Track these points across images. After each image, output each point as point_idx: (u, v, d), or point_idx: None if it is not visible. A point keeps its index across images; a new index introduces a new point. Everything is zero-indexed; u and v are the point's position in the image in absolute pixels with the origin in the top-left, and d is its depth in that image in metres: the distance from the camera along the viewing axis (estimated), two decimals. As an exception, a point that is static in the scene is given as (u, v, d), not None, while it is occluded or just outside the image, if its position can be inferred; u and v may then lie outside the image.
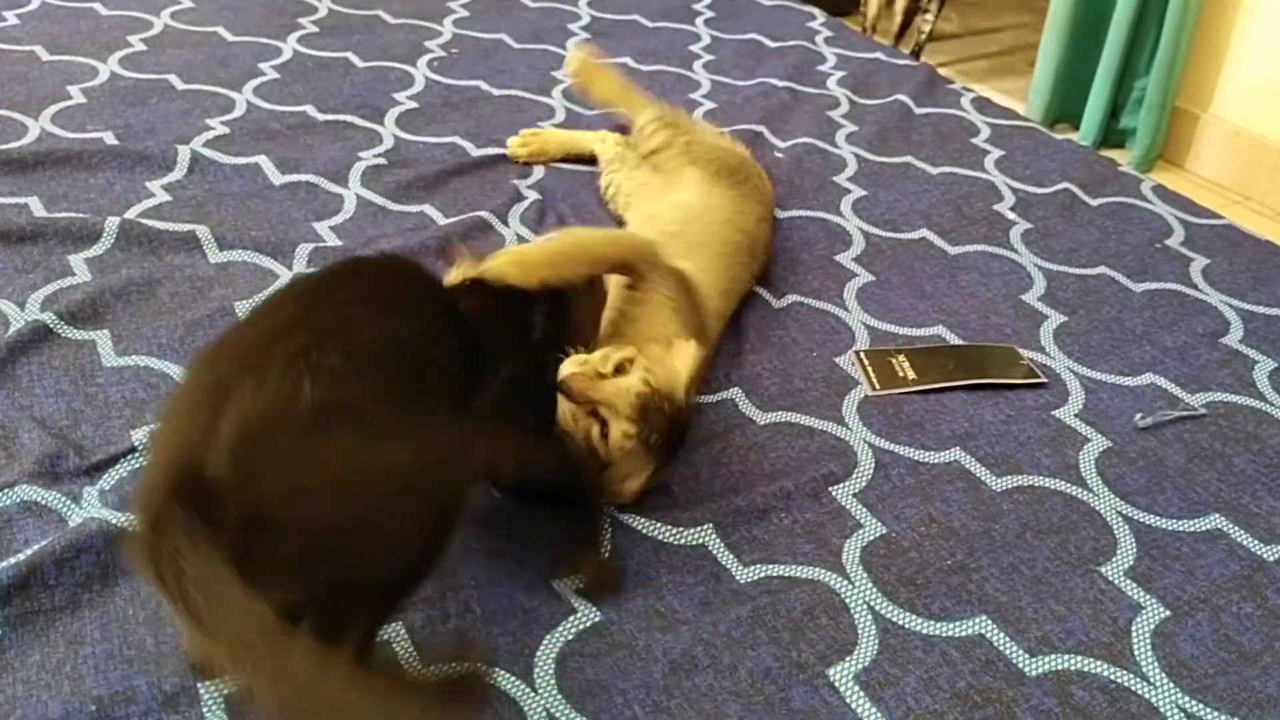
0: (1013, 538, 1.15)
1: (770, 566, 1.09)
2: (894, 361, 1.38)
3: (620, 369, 1.10)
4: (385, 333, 0.93)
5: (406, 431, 0.85)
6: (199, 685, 0.92)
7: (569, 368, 1.09)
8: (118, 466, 1.13)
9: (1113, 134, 2.74)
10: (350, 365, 0.85)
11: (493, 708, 0.93)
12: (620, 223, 1.58)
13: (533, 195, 1.66)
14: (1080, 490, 1.22)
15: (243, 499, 0.76)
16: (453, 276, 1.15)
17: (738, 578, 1.08)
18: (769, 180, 1.63)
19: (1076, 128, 2.76)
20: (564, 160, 1.76)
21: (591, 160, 1.74)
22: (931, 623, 1.05)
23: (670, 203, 1.50)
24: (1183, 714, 0.98)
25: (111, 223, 1.48)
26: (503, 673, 0.96)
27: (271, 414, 0.79)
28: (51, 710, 0.90)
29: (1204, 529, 1.18)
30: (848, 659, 1.01)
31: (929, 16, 3.06)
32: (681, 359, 1.14)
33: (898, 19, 3.14)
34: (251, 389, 0.79)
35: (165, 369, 1.26)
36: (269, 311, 0.97)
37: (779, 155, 1.86)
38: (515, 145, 1.76)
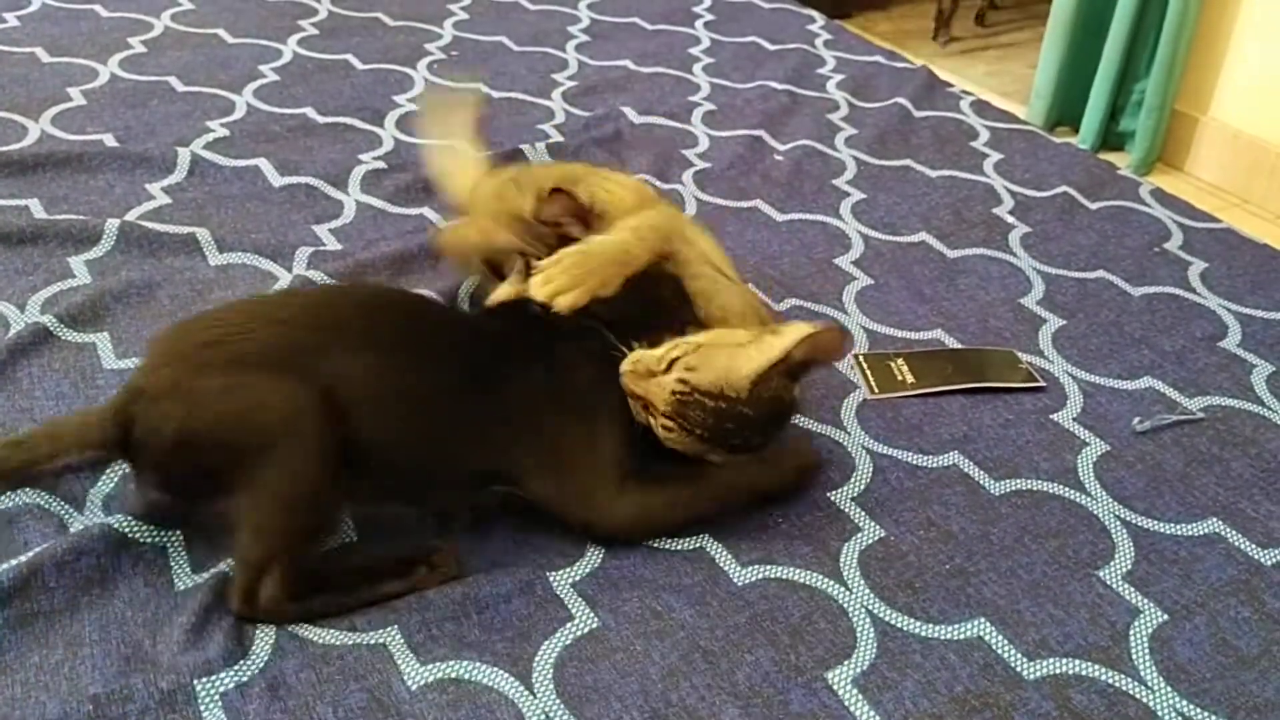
0: (1011, 541, 1.15)
1: (768, 568, 1.09)
2: (892, 365, 1.39)
3: (670, 366, 1.09)
4: (307, 315, 1.11)
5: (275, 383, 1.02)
6: (195, 683, 0.93)
7: (624, 365, 1.11)
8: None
9: (1112, 137, 2.75)
10: (256, 342, 1.05)
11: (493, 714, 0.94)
12: None
13: (532, 198, 1.66)
14: (1078, 494, 1.22)
15: (152, 422, 1.01)
16: (499, 295, 1.24)
17: (735, 580, 1.08)
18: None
19: (1076, 130, 2.76)
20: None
21: None
22: (930, 626, 1.05)
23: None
24: (1180, 718, 0.98)
25: (111, 225, 1.48)
26: (502, 677, 0.97)
27: (175, 360, 1.05)
28: (50, 710, 0.90)
29: (1202, 533, 1.18)
30: (846, 662, 1.01)
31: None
32: (767, 347, 1.09)
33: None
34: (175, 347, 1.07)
35: (165, 371, 1.26)
36: (227, 306, 1.18)
37: (778, 158, 1.86)
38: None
